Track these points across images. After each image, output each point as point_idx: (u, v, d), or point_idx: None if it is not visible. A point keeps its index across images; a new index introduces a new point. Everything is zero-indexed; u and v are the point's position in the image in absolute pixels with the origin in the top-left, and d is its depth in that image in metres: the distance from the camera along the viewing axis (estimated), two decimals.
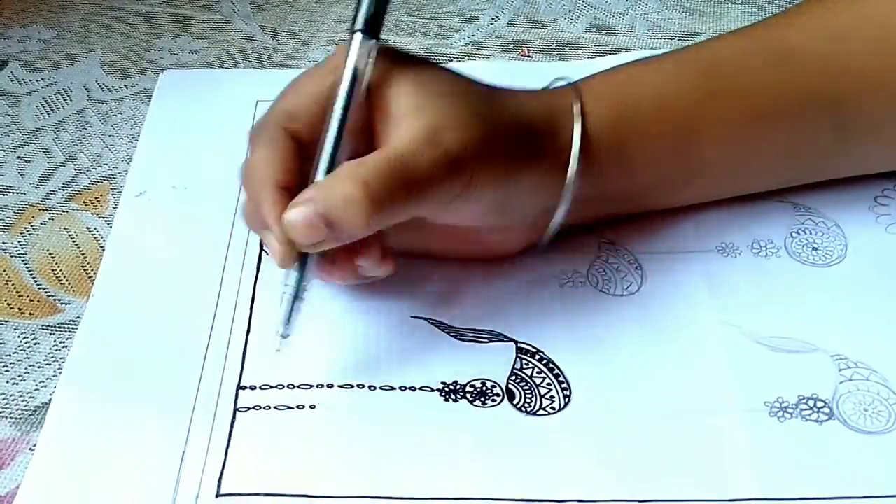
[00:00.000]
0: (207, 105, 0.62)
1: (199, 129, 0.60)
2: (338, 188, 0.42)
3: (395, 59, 0.45)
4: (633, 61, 0.51)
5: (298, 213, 0.42)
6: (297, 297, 0.44)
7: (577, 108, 0.47)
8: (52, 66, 0.66)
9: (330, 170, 0.43)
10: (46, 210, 0.56)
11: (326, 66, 0.46)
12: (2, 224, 0.55)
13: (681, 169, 0.50)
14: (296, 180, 0.44)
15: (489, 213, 0.46)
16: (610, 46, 0.67)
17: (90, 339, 0.49)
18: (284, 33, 0.69)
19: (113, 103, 0.63)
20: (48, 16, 0.70)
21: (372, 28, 0.45)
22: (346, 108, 0.44)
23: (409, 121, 0.43)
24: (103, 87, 0.64)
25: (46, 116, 0.62)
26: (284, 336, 0.44)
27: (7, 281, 0.51)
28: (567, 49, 0.67)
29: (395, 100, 0.44)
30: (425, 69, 0.45)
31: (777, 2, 0.70)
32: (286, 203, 0.43)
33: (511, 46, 0.68)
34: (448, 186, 0.43)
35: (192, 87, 0.63)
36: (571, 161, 0.47)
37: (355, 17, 0.45)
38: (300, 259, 0.43)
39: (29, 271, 0.53)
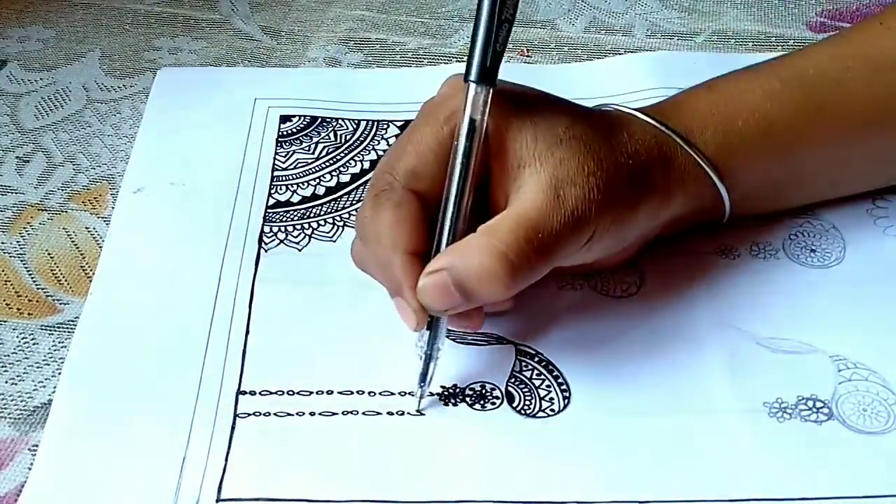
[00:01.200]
0: (205, 102, 0.62)
1: (196, 126, 0.60)
2: (475, 259, 0.42)
3: (510, 103, 0.45)
4: (733, 74, 0.51)
5: (435, 282, 0.43)
6: (431, 356, 0.44)
7: (691, 150, 0.48)
8: (50, 65, 0.66)
9: (456, 227, 0.44)
10: (45, 210, 0.56)
11: (440, 111, 0.46)
12: (1, 224, 0.55)
13: (777, 180, 0.50)
14: (426, 244, 0.44)
15: (604, 252, 0.47)
16: (609, 46, 0.67)
17: (88, 338, 0.49)
18: (283, 33, 0.69)
19: (112, 103, 0.63)
20: (47, 16, 0.70)
21: (486, 76, 0.44)
22: (465, 164, 0.44)
23: (531, 175, 0.44)
24: (102, 86, 0.64)
25: (45, 116, 0.62)
26: (423, 396, 0.45)
27: (6, 281, 0.52)
28: (566, 49, 0.67)
29: (514, 149, 0.44)
30: (541, 113, 0.45)
31: (777, 1, 0.70)
32: (418, 268, 0.43)
33: (510, 46, 0.67)
34: (575, 243, 0.44)
35: (190, 85, 0.63)
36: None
37: (469, 65, 0.44)
38: (432, 319, 0.44)
39: (28, 271, 0.53)
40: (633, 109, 0.48)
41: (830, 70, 0.50)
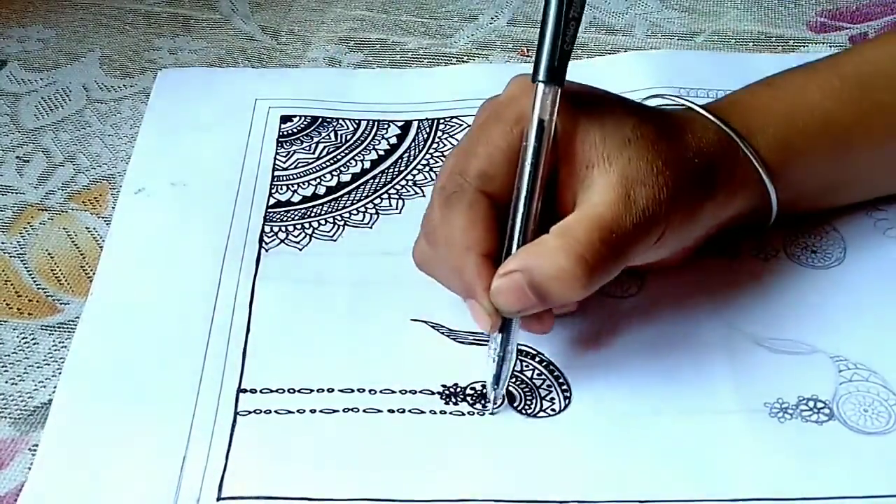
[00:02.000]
0: (205, 103, 0.62)
1: (197, 127, 0.60)
2: (552, 261, 0.42)
3: (577, 103, 0.45)
4: (790, 72, 0.51)
5: (510, 284, 0.43)
6: (504, 357, 0.44)
7: (748, 150, 0.48)
8: (51, 65, 0.66)
9: (527, 228, 0.44)
10: (45, 210, 0.56)
11: (509, 112, 0.46)
12: (1, 224, 0.55)
13: (832, 181, 0.50)
14: (497, 246, 0.44)
15: (670, 251, 0.47)
16: (609, 46, 0.67)
17: (88, 338, 0.49)
18: (283, 33, 0.69)
19: (112, 103, 0.63)
20: (47, 15, 0.70)
21: (554, 76, 0.44)
22: (535, 165, 0.44)
23: (601, 176, 0.44)
24: (102, 86, 0.64)
25: (45, 116, 0.62)
26: (496, 399, 0.45)
27: (6, 281, 0.52)
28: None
29: (582, 149, 0.44)
30: (608, 113, 0.45)
31: (777, 1, 0.70)
32: (490, 270, 0.43)
33: (510, 46, 0.68)
34: (646, 242, 0.44)
35: (190, 86, 0.63)
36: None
37: (536, 65, 0.44)
38: (505, 321, 0.44)
39: (28, 271, 0.53)
40: (698, 106, 0.48)
41: (888, 68, 0.50)
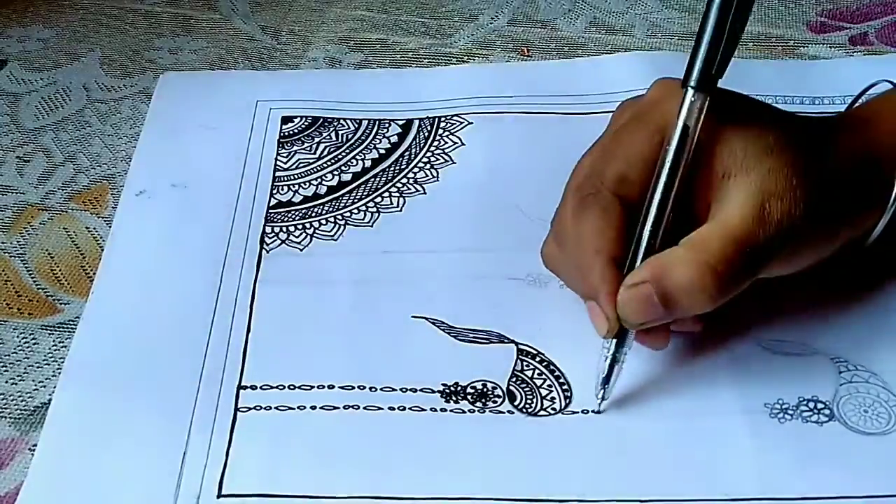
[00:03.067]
0: (207, 105, 0.62)
1: (198, 129, 0.60)
2: (684, 273, 0.42)
3: (721, 108, 0.44)
4: None
5: (639, 295, 0.42)
6: (615, 360, 0.44)
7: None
8: (51, 65, 0.66)
9: (657, 236, 0.44)
10: (46, 210, 0.56)
11: (653, 117, 0.45)
12: (1, 224, 0.55)
13: None
14: (625, 251, 0.44)
15: (801, 266, 0.46)
16: (609, 46, 0.67)
17: (89, 338, 0.49)
18: (284, 33, 0.69)
19: (112, 103, 0.63)
20: (47, 15, 0.70)
21: (706, 84, 0.43)
22: (673, 172, 0.43)
23: (737, 187, 0.43)
24: (102, 86, 0.64)
25: (45, 116, 0.62)
26: (605, 398, 0.45)
27: (6, 281, 0.52)
28: (566, 49, 0.67)
29: (721, 157, 0.43)
30: (751, 121, 0.44)
31: (777, 1, 0.70)
32: (616, 275, 0.43)
33: (510, 46, 0.68)
34: (778, 257, 0.43)
35: (192, 89, 0.64)
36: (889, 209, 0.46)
37: (689, 69, 0.43)
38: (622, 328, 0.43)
39: (28, 271, 0.53)
40: (842, 115, 0.48)
41: None
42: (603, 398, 0.45)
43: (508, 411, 0.45)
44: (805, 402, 0.45)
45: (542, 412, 0.45)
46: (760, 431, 0.44)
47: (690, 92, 0.43)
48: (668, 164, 0.43)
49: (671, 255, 0.43)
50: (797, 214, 0.43)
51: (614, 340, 0.44)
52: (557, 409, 0.45)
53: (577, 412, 0.45)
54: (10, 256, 0.53)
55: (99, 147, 0.60)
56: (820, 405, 0.45)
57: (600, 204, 0.44)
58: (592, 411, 0.45)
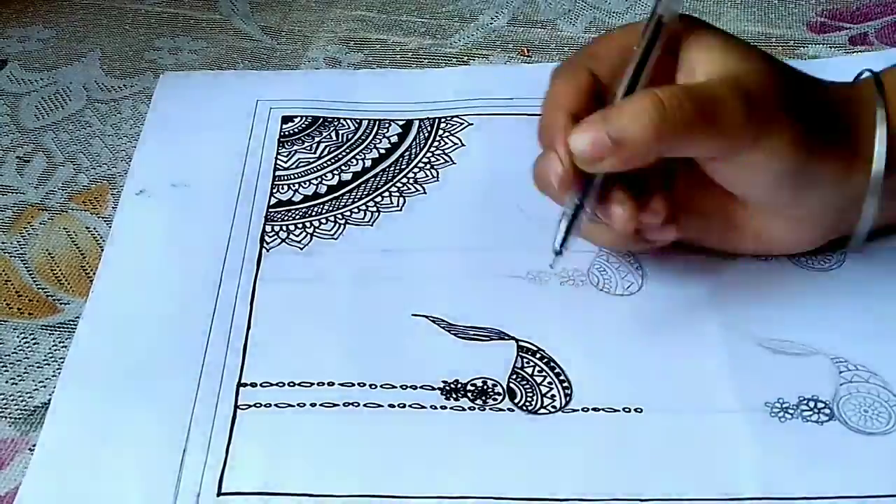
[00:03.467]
0: (207, 105, 0.62)
1: (198, 129, 0.60)
2: (630, 104, 0.43)
3: (700, 22, 0.46)
4: None
5: (585, 127, 0.44)
6: (575, 216, 0.45)
7: (881, 114, 0.46)
8: (51, 65, 0.66)
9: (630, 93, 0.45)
10: (46, 210, 0.56)
11: (638, 26, 0.47)
12: (1, 224, 0.55)
13: None
14: (588, 112, 0.45)
15: (779, 189, 0.45)
16: None
17: (89, 336, 0.49)
18: (283, 33, 0.69)
19: (112, 103, 0.63)
20: (47, 15, 0.70)
21: None
22: (647, 49, 0.45)
23: (711, 67, 0.44)
24: (102, 86, 0.64)
25: (46, 116, 0.62)
26: (558, 253, 0.45)
27: (6, 281, 0.52)
28: (567, 49, 0.67)
29: (699, 53, 0.45)
30: (734, 38, 0.46)
31: (777, 1, 0.70)
32: None
33: (510, 46, 0.68)
34: (740, 128, 0.43)
35: (192, 89, 0.64)
36: (875, 161, 0.46)
37: None
38: (583, 182, 0.44)
39: (28, 271, 0.53)
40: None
41: None
42: (559, 253, 0.45)
43: (508, 409, 0.45)
44: (805, 402, 0.45)
45: (542, 410, 0.45)
46: (761, 430, 0.44)
47: None
48: (642, 43, 0.46)
49: (625, 99, 0.44)
50: (771, 100, 0.43)
51: (574, 196, 0.45)
52: (557, 406, 0.45)
53: (578, 410, 0.45)
54: (11, 256, 0.53)
55: (99, 147, 0.60)
56: (820, 405, 0.45)
57: (570, 71, 0.47)
58: (548, 266, 0.46)
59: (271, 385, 0.47)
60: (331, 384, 0.46)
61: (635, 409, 0.45)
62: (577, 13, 0.70)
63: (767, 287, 0.50)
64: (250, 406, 0.46)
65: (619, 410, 0.45)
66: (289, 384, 0.47)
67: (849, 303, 0.49)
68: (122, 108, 0.62)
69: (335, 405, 0.46)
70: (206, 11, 0.71)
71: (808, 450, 0.43)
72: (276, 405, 0.46)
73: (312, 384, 0.46)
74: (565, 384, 0.46)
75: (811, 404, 0.45)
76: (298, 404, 0.46)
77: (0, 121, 0.61)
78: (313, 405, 0.46)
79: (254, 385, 0.46)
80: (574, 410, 0.45)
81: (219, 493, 0.43)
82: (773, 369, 0.46)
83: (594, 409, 0.45)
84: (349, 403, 0.46)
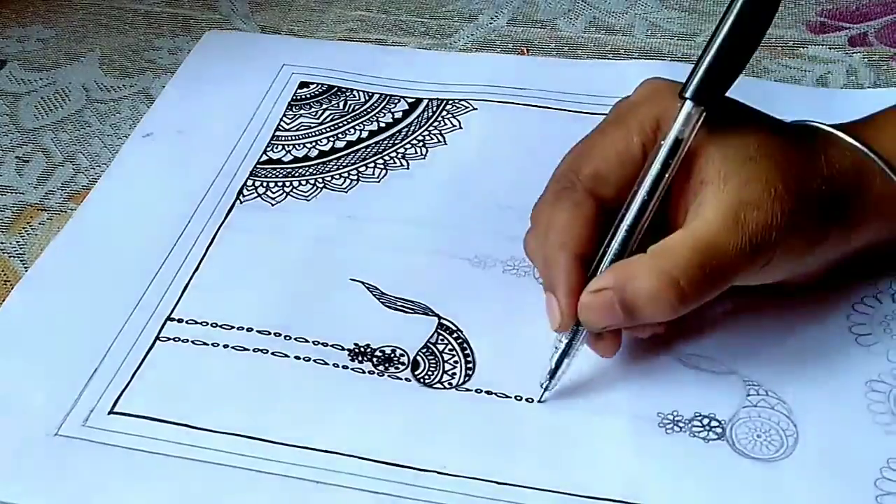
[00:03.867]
0: (236, 64, 0.69)
1: (220, 84, 0.67)
2: (644, 282, 0.44)
3: (714, 124, 0.46)
4: None
5: (600, 301, 0.45)
6: (565, 355, 0.47)
7: (892, 176, 0.47)
8: (50, 65, 0.72)
9: (629, 242, 0.46)
10: (45, 210, 0.60)
11: (632, 117, 0.47)
12: (0, 224, 0.60)
13: None
14: (593, 249, 0.47)
15: (782, 276, 0.48)
16: (609, 46, 0.70)
17: (59, 251, 0.56)
18: (283, 33, 0.75)
19: (111, 103, 0.68)
20: (47, 15, 0.77)
21: (706, 98, 0.45)
22: (656, 182, 0.46)
23: (713, 195, 0.45)
24: (102, 86, 0.70)
25: (45, 116, 0.67)
26: (546, 388, 0.48)
27: (5, 281, 0.56)
28: (566, 49, 0.69)
29: (699, 164, 0.46)
30: (734, 128, 0.46)
31: None
32: (580, 273, 0.46)
33: (510, 46, 0.70)
34: (750, 269, 0.45)
35: (229, 48, 0.71)
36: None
37: (690, 78, 0.45)
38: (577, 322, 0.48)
39: (27, 271, 0.56)
40: (833, 128, 0.48)
41: None
42: (546, 389, 0.48)
43: (406, 379, 0.50)
44: (699, 418, 0.48)
45: (438, 385, 0.50)
46: (642, 438, 0.48)
47: (688, 104, 0.45)
48: (652, 174, 0.46)
49: (636, 263, 0.45)
50: (774, 224, 0.45)
51: (566, 335, 0.48)
52: (453, 384, 0.50)
53: (471, 391, 0.50)
54: (10, 256, 0.58)
55: (98, 147, 0.65)
56: (714, 423, 0.48)
57: (573, 199, 0.47)
58: (535, 400, 0.48)
59: (196, 323, 0.53)
60: (249, 330, 0.52)
61: (526, 399, 0.49)
62: (576, 13, 0.73)
63: (702, 305, 0.51)
64: (169, 339, 0.52)
65: (510, 397, 0.49)
66: (211, 324, 0.52)
67: (777, 328, 0.52)
68: (121, 108, 0.67)
69: (245, 349, 0.51)
70: (206, 11, 0.75)
71: (683, 464, 0.47)
72: (192, 341, 0.52)
73: (233, 327, 0.52)
74: (470, 365, 0.51)
75: (704, 421, 0.48)
76: (212, 344, 0.51)
77: (0, 120, 0.67)
78: (225, 346, 0.51)
79: (180, 321, 0.53)
80: (467, 390, 0.50)
81: (110, 412, 0.48)
82: (678, 382, 0.50)
83: (487, 392, 0.50)
84: (258, 350, 0.51)
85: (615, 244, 0.46)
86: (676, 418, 0.48)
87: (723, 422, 0.48)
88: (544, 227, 0.48)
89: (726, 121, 0.46)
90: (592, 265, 0.47)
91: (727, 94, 0.46)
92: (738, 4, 0.44)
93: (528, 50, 0.71)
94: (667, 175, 0.45)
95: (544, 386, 0.48)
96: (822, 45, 0.70)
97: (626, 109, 0.49)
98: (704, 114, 0.45)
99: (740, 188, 0.44)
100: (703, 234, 0.44)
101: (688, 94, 0.45)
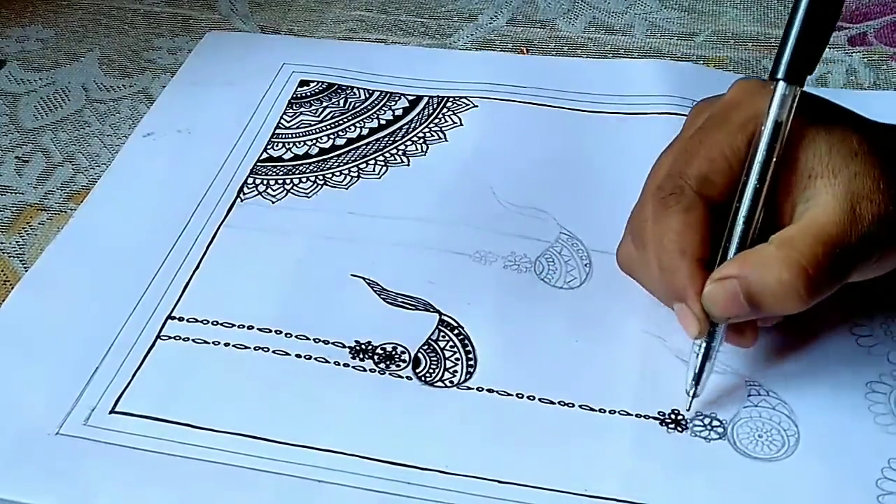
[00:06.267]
0: (237, 63, 0.69)
1: (221, 83, 0.67)
2: (773, 271, 0.44)
3: (805, 108, 0.46)
4: None
5: (725, 290, 0.44)
6: (707, 357, 0.47)
7: None
8: (50, 65, 0.72)
9: (747, 234, 0.46)
10: (44, 210, 0.60)
11: (735, 116, 0.47)
12: (0, 224, 0.59)
13: None
14: (710, 251, 0.46)
15: (890, 268, 0.47)
16: (609, 46, 0.70)
17: (59, 250, 0.56)
18: (283, 33, 0.75)
19: (111, 103, 0.68)
20: (46, 15, 0.77)
21: (797, 75, 0.45)
22: (764, 169, 0.45)
23: (825, 188, 0.45)
24: (101, 86, 0.70)
25: (44, 116, 0.67)
26: (692, 395, 0.47)
27: (5, 281, 0.56)
28: (566, 48, 0.70)
29: (806, 157, 0.45)
30: (835, 123, 0.46)
31: (777, 2, 0.70)
32: (703, 277, 0.46)
33: (510, 46, 0.70)
34: (868, 260, 0.45)
35: (229, 48, 0.71)
36: None
37: (777, 61, 0.45)
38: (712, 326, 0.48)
39: (27, 271, 0.56)
40: None
41: None
42: (694, 395, 0.48)
43: (407, 377, 0.50)
44: (701, 417, 0.48)
45: (439, 383, 0.50)
46: (643, 437, 0.48)
47: (782, 85, 0.45)
48: (759, 161, 0.45)
49: (760, 253, 0.45)
50: (885, 217, 0.45)
51: (704, 340, 0.47)
52: (455, 382, 0.50)
53: (473, 389, 0.50)
54: (9, 256, 0.57)
55: (98, 147, 0.65)
56: (715, 423, 0.48)
57: (683, 204, 0.46)
58: (681, 412, 0.48)
59: (197, 321, 0.52)
60: (250, 328, 0.52)
61: (528, 396, 0.49)
62: (576, 13, 0.73)
63: None
64: (171, 338, 0.52)
65: (511, 395, 0.49)
66: (212, 322, 0.52)
67: (779, 328, 0.51)
68: (120, 108, 0.67)
69: (246, 347, 0.51)
70: (205, 11, 0.75)
71: (684, 463, 0.47)
72: (193, 340, 0.51)
73: (233, 325, 0.52)
74: (471, 363, 0.51)
75: (706, 421, 0.48)
76: (214, 342, 0.51)
77: None
78: (227, 345, 0.51)
79: (181, 319, 0.53)
80: (469, 388, 0.50)
81: (111, 411, 0.48)
82: (680, 382, 0.49)
83: (488, 390, 0.49)
84: (259, 348, 0.51)
85: (735, 237, 0.46)
86: (678, 418, 0.48)
87: (724, 421, 0.48)
88: (655, 238, 0.47)
89: (825, 116, 0.46)
90: (713, 268, 0.47)
91: (818, 95, 0.47)
92: None
93: (527, 50, 0.71)
94: (773, 161, 0.45)
95: (690, 394, 0.48)
96: None
97: (726, 109, 0.48)
98: (798, 91, 0.45)
99: (851, 181, 0.44)
100: (823, 225, 0.44)
101: (780, 76, 0.45)
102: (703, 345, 0.47)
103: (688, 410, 0.48)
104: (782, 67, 0.45)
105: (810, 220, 0.44)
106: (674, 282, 0.46)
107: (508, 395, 0.49)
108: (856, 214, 0.44)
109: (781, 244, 0.44)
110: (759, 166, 0.45)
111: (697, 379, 0.47)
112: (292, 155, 0.62)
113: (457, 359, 0.51)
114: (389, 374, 0.50)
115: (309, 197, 0.60)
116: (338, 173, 0.61)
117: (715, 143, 0.47)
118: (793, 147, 0.46)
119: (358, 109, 0.65)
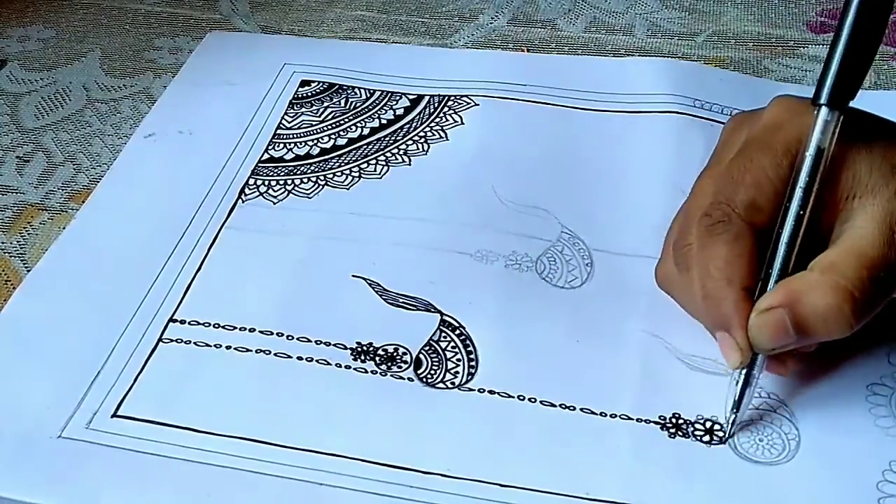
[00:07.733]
0: (238, 63, 0.69)
1: (222, 83, 0.67)
2: (819, 298, 0.43)
3: (844, 128, 0.46)
4: None
5: (772, 321, 0.44)
6: (747, 384, 0.46)
7: None
8: (51, 65, 0.72)
9: (789, 261, 0.45)
10: (45, 210, 0.60)
11: (777, 140, 0.46)
12: (1, 224, 0.60)
13: None
14: (756, 279, 0.46)
15: None
16: (609, 46, 0.70)
17: (62, 253, 0.55)
18: (283, 33, 0.75)
19: (112, 103, 0.68)
20: (47, 15, 0.77)
21: (840, 101, 0.45)
22: (806, 195, 0.45)
23: (863, 208, 0.44)
24: (102, 86, 0.70)
25: (45, 116, 0.67)
26: (733, 423, 0.47)
27: (6, 281, 0.56)
28: (566, 48, 0.71)
29: (845, 178, 0.45)
30: (876, 140, 0.46)
31: (777, 1, 0.70)
32: (748, 306, 0.45)
33: (510, 46, 0.70)
34: None
35: (231, 48, 0.71)
36: None
37: (820, 85, 0.45)
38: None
39: (28, 271, 0.56)
40: None
41: None
42: (734, 422, 0.47)
43: (409, 378, 0.50)
44: (702, 421, 0.48)
45: (441, 384, 0.50)
46: (644, 440, 0.48)
47: (824, 111, 0.45)
48: (801, 186, 0.45)
49: (805, 280, 0.44)
50: None
51: (746, 370, 0.47)
52: (457, 383, 0.50)
53: (474, 390, 0.50)
54: (10, 256, 0.57)
55: (99, 147, 0.65)
56: (716, 427, 0.48)
57: (731, 231, 0.46)
58: (724, 437, 0.47)
59: (199, 324, 0.52)
60: (252, 330, 0.52)
61: (529, 399, 0.49)
62: (577, 13, 0.73)
63: None
64: (172, 341, 0.52)
65: (513, 397, 0.49)
66: (214, 325, 0.52)
67: None
68: (121, 108, 0.68)
69: (248, 350, 0.51)
70: (206, 11, 0.75)
71: (685, 467, 0.46)
72: (195, 343, 0.51)
73: (235, 328, 0.52)
74: (473, 363, 0.50)
75: (707, 425, 0.48)
76: (215, 345, 0.51)
77: (0, 121, 0.67)
78: (228, 348, 0.51)
79: (183, 322, 0.52)
80: (470, 390, 0.50)
81: (113, 415, 0.48)
82: (682, 385, 0.50)
83: (490, 392, 0.49)
84: (261, 350, 0.51)
85: (777, 263, 0.45)
86: (679, 421, 0.48)
87: (725, 426, 0.48)
88: (701, 264, 0.46)
89: (864, 133, 0.46)
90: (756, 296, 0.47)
91: (857, 109, 0.46)
92: (855, 2, 0.43)
93: (528, 50, 0.71)
94: (814, 187, 0.45)
95: (730, 420, 0.47)
96: (823, 44, 0.69)
97: (769, 131, 0.47)
98: (841, 118, 0.45)
99: (890, 200, 0.44)
100: (864, 247, 0.43)
101: (822, 100, 0.44)
102: (744, 372, 0.46)
103: (729, 437, 0.47)
104: (825, 92, 0.45)
105: (850, 243, 0.44)
106: (719, 310, 0.45)
107: (510, 396, 0.49)
108: (894, 235, 0.43)
109: (824, 270, 0.44)
110: (801, 192, 0.45)
111: (738, 406, 0.47)
112: (293, 155, 0.62)
113: (458, 359, 0.51)
114: (391, 375, 0.50)
115: (310, 197, 0.59)
116: (339, 173, 0.61)
117: (760, 168, 0.46)
118: (833, 169, 0.45)
119: (359, 109, 0.65)
